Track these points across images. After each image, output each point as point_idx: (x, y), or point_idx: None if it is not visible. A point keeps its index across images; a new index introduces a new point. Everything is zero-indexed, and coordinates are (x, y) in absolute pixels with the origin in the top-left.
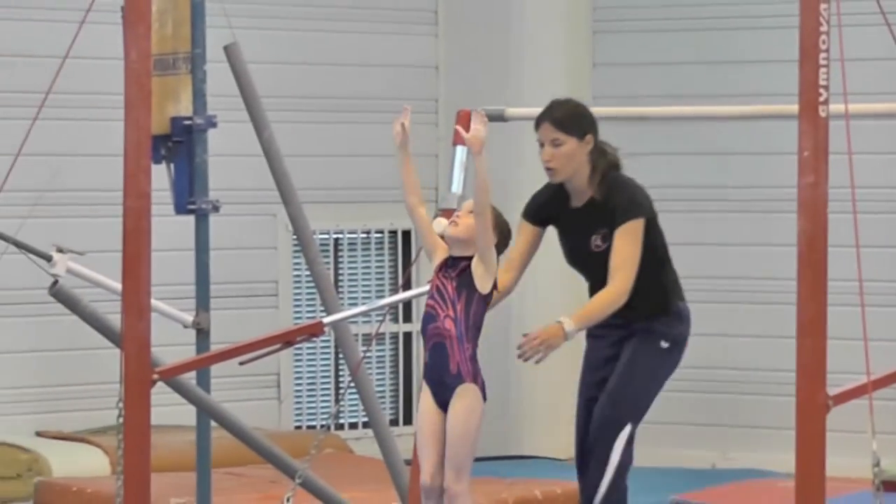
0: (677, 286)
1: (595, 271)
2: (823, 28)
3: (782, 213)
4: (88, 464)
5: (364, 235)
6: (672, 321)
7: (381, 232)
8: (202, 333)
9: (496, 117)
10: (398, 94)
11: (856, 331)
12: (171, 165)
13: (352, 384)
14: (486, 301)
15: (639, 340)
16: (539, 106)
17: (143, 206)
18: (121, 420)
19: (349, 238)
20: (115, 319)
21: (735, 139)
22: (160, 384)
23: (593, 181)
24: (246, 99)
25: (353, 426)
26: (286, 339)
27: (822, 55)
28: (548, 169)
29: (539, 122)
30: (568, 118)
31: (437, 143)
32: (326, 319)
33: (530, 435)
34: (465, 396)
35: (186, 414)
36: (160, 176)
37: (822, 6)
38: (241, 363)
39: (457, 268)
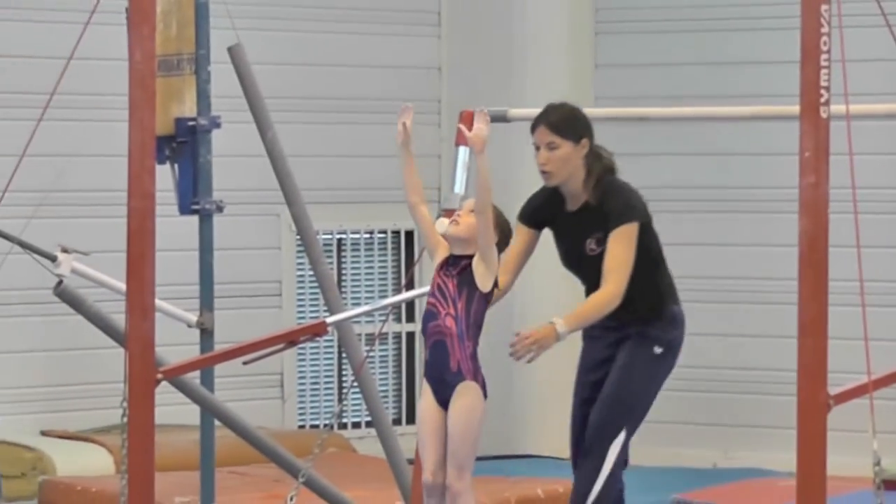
0: (672, 290)
1: (590, 275)
2: (824, 29)
3: (783, 214)
4: (93, 463)
5: (367, 235)
6: (666, 325)
7: (384, 232)
8: (206, 333)
9: (499, 118)
10: (401, 94)
11: (857, 330)
12: (176, 166)
13: (355, 384)
14: (486, 299)
15: (632, 346)
16: (541, 107)
17: (148, 207)
18: (125, 419)
19: (352, 238)
20: (119, 319)
21: (736, 140)
22: (164, 384)
23: (588, 185)
24: (249, 100)
25: (356, 425)
26: (290, 339)
27: (824, 56)
28: (543, 172)
29: (535, 125)
30: (563, 122)
31: (439, 144)
32: (330, 319)
33: (533, 434)
34: (465, 395)
35: (190, 413)
36: (164, 176)
37: (824, 7)
38: (245, 363)
39: (458, 266)
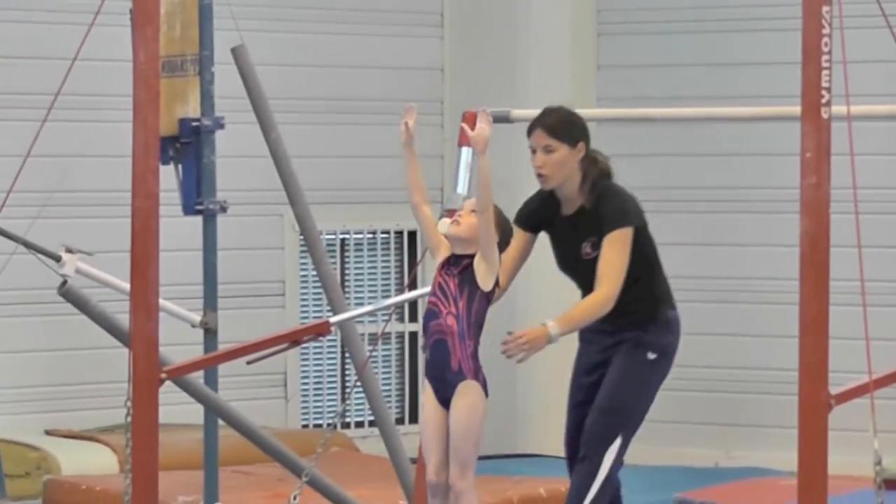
0: (668, 294)
1: (585, 278)
2: (826, 30)
3: (785, 214)
4: (97, 462)
5: (370, 236)
6: (660, 330)
7: (388, 232)
8: (210, 333)
9: (501, 118)
10: (404, 95)
11: (857, 330)
12: (179, 166)
13: (358, 383)
14: (488, 298)
15: (626, 352)
16: (544, 108)
17: (152, 207)
18: (129, 419)
19: (355, 238)
20: (123, 319)
21: (737, 140)
22: (168, 383)
23: (584, 189)
24: (253, 100)
25: (359, 425)
26: (293, 339)
27: (825, 57)
28: (539, 175)
29: (531, 128)
30: (560, 125)
31: (442, 145)
32: (333, 319)
33: (536, 433)
34: (467, 394)
35: (194, 413)
36: (168, 177)
37: (825, 9)
38: (249, 362)
39: (459, 265)
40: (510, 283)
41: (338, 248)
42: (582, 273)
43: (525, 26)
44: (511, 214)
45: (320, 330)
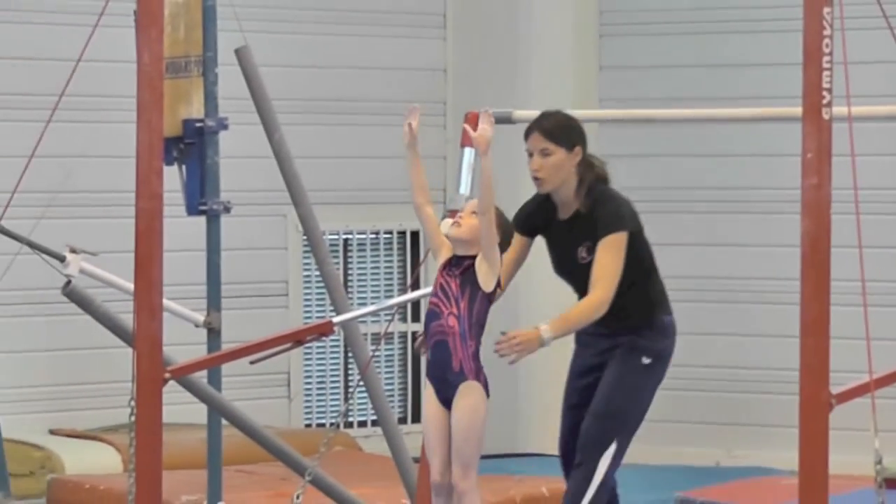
0: (664, 299)
1: (581, 282)
2: (827, 31)
3: (786, 214)
4: (101, 461)
5: (373, 236)
6: (656, 335)
7: (390, 233)
8: (213, 333)
9: (504, 119)
10: (407, 96)
11: (858, 330)
12: (183, 167)
13: (361, 383)
14: (489, 299)
15: (621, 357)
16: (547, 108)
17: (156, 207)
18: (133, 418)
19: (358, 238)
20: (127, 319)
21: (739, 141)
22: (172, 383)
23: (580, 193)
24: (257, 101)
25: (361, 424)
26: (296, 339)
27: (826, 58)
28: (535, 178)
29: (529, 131)
30: (557, 129)
31: (445, 146)
32: (336, 319)
33: (538, 432)
34: (468, 395)
35: (198, 412)
36: (172, 177)
37: (826, 10)
38: (252, 362)
39: (461, 266)
40: (507, 285)
41: (341, 249)
42: (578, 277)
43: (527, 28)
44: (513, 215)
45: (323, 330)
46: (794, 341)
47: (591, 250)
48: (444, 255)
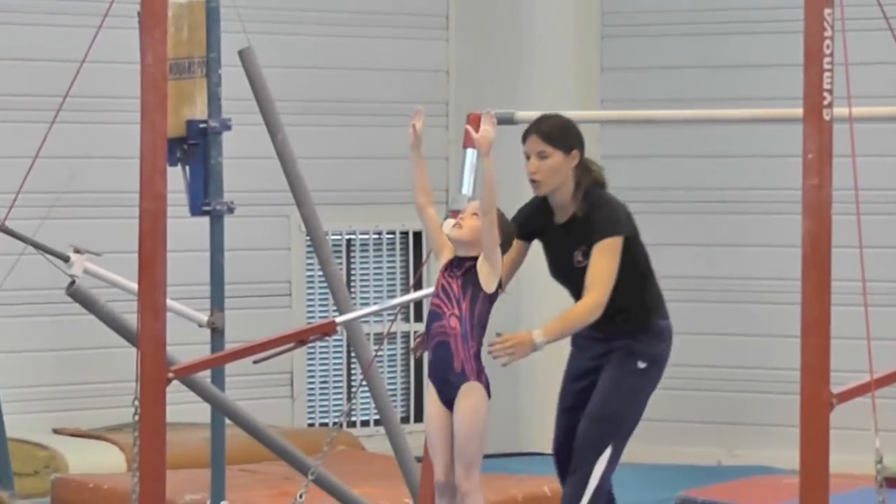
0: (660, 303)
1: (577, 286)
2: (828, 33)
3: (787, 215)
4: (105, 461)
5: (376, 236)
6: (652, 339)
7: (393, 233)
8: (217, 333)
9: (506, 120)
10: (409, 97)
11: (859, 330)
12: (187, 168)
13: (364, 382)
14: (491, 300)
15: (617, 361)
16: (548, 110)
17: (159, 208)
18: (137, 418)
19: (361, 239)
20: (131, 319)
21: (740, 142)
22: (175, 382)
23: (576, 197)
24: (260, 102)
25: (364, 424)
26: (299, 339)
27: (827, 59)
28: (532, 181)
29: (526, 134)
30: (555, 131)
31: (447, 146)
32: (339, 319)
33: (539, 432)
34: (470, 395)
35: (201, 412)
36: (176, 178)
37: (827, 11)
38: (255, 362)
39: (462, 267)
40: (506, 286)
41: (344, 249)
42: (574, 281)
43: (529, 29)
44: (511, 218)
45: (326, 330)
46: (795, 341)
47: (588, 254)
48: (446, 256)
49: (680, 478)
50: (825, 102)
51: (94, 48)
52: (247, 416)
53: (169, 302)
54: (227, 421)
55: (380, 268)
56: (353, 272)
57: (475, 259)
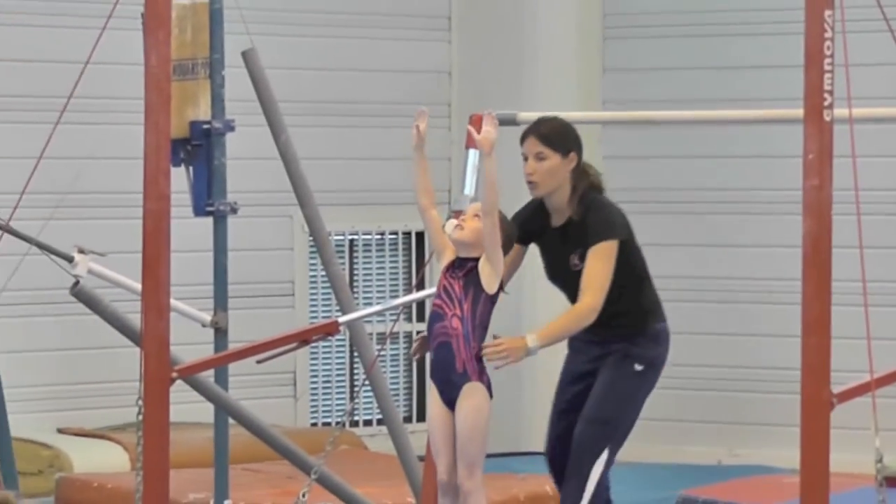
0: (657, 306)
1: (573, 289)
2: (828, 34)
3: (787, 215)
4: (109, 460)
5: (378, 237)
6: (649, 343)
7: (396, 233)
8: (220, 332)
9: (508, 121)
10: (412, 98)
11: (859, 330)
12: (190, 168)
13: (366, 382)
14: (492, 301)
15: (613, 363)
16: (550, 110)
17: (163, 208)
18: (141, 417)
19: (364, 239)
20: (135, 319)
21: (741, 142)
22: (179, 382)
23: (573, 201)
24: (263, 103)
25: (367, 423)
26: (302, 338)
27: (827, 60)
28: (530, 183)
29: (525, 135)
30: (553, 134)
31: (449, 147)
32: (341, 319)
33: (541, 431)
34: (472, 396)
35: (205, 411)
36: (179, 179)
37: (827, 13)
38: (259, 361)
39: (464, 268)
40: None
41: (346, 249)
42: (570, 284)
43: (532, 30)
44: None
45: (329, 329)
46: (795, 341)
47: (583, 257)
48: (448, 257)
49: (680, 477)
50: (826, 103)
51: (99, 49)
52: (250, 416)
53: (172, 302)
54: (231, 420)
55: (382, 268)
56: (355, 272)
57: (477, 260)
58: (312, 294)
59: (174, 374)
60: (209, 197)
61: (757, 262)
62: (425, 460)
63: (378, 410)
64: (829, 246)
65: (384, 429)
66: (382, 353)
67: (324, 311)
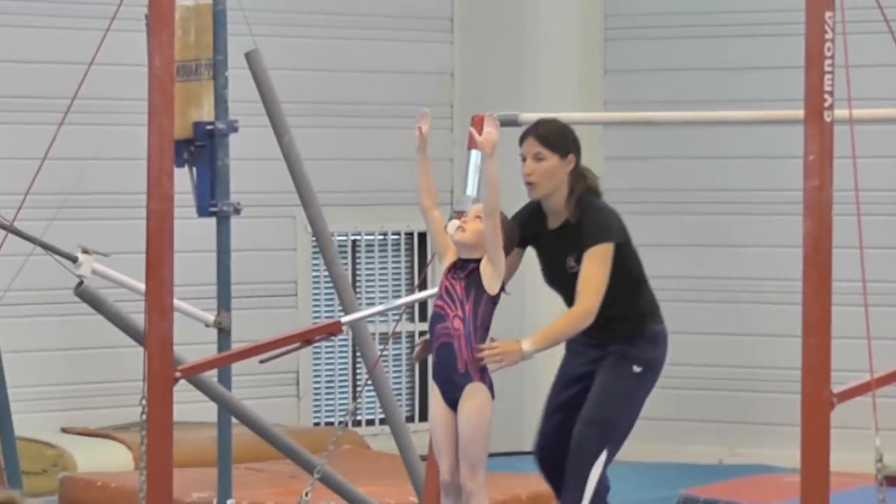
0: (654, 308)
1: (570, 292)
2: (828, 35)
3: (788, 216)
4: (112, 459)
5: (381, 237)
6: (646, 344)
7: (398, 234)
8: (223, 332)
9: (510, 122)
10: (414, 99)
11: (859, 330)
12: (194, 169)
13: (369, 382)
14: (494, 302)
15: (611, 365)
16: (552, 111)
17: (166, 209)
18: (144, 417)
19: (367, 239)
20: (138, 319)
21: (741, 143)
22: (182, 382)
23: (570, 203)
24: (266, 104)
25: (370, 423)
26: (305, 338)
27: (828, 61)
28: (527, 183)
29: (524, 136)
30: (552, 135)
31: (452, 148)
32: (344, 319)
33: None
34: (474, 396)
35: (208, 411)
36: (183, 179)
37: (828, 14)
38: (262, 361)
39: (466, 269)
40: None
41: (349, 249)
42: (567, 287)
43: (534, 31)
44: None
45: (332, 329)
46: (796, 341)
47: (580, 260)
48: (450, 258)
49: (681, 476)
50: (826, 104)
51: (102, 50)
52: (253, 416)
53: (176, 302)
54: (234, 420)
55: (385, 268)
56: (358, 272)
57: (478, 261)
58: (315, 294)
59: (178, 374)
60: (212, 197)
61: (757, 262)
62: (427, 460)
63: (380, 410)
64: (829, 246)
65: (387, 428)
66: (385, 353)
67: (327, 312)
